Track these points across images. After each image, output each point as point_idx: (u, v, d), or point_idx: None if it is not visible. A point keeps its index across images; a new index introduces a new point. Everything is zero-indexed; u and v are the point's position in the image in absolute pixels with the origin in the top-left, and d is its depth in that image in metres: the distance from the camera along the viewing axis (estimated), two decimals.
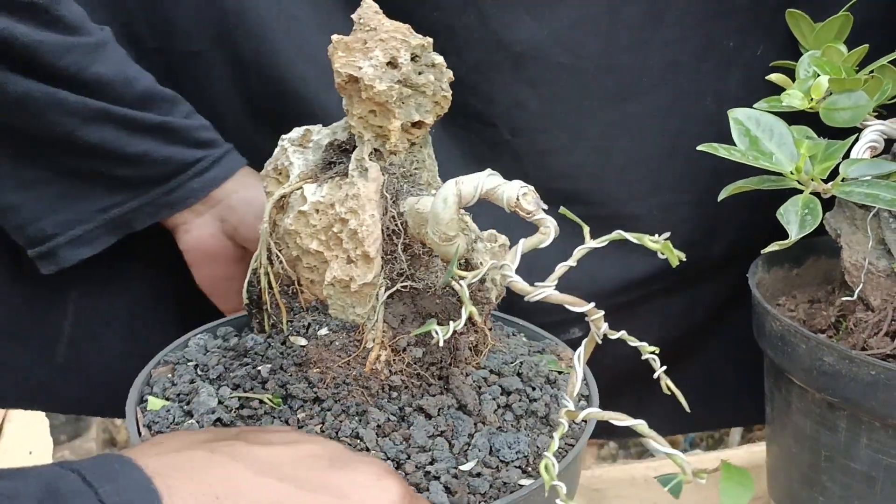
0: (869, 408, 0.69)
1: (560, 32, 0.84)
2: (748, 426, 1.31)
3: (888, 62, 0.70)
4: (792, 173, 0.61)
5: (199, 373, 0.64)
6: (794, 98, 0.66)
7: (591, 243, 0.48)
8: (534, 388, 0.62)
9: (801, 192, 0.61)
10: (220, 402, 0.59)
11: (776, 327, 0.76)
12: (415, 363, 0.60)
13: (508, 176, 0.89)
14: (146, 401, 0.60)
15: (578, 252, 0.48)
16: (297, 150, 0.64)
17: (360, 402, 0.57)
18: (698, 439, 1.85)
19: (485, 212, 0.60)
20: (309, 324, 0.63)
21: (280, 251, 0.64)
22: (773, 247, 0.59)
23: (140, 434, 0.56)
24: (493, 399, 0.60)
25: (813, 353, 0.71)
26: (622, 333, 0.49)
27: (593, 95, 0.87)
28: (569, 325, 0.93)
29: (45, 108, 0.71)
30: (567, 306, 0.49)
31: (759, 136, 0.62)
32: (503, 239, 0.66)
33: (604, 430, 1.04)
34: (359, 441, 0.54)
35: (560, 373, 0.65)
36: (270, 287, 0.65)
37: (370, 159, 0.60)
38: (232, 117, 0.85)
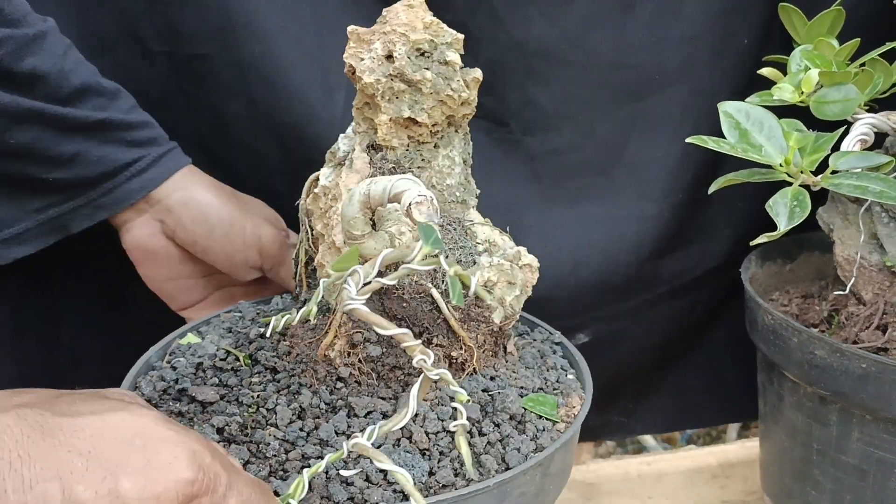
0: (860, 401, 0.69)
1: (572, 31, 0.84)
2: (745, 422, 1.32)
3: (879, 55, 0.70)
4: (781, 165, 0.61)
5: (231, 326, 0.70)
6: (784, 91, 0.66)
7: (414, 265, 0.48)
8: (490, 424, 0.57)
9: (790, 184, 0.61)
10: (216, 352, 0.63)
11: (768, 321, 0.76)
12: (372, 361, 0.59)
13: (519, 175, 0.90)
14: (185, 336, 0.68)
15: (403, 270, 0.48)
16: (345, 134, 0.65)
17: (307, 382, 0.58)
18: (695, 436, 1.85)
19: None
20: (306, 300, 0.65)
21: (310, 229, 0.66)
22: (762, 238, 0.59)
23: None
24: (440, 420, 0.56)
25: (805, 346, 0.72)
26: (442, 372, 0.48)
27: (606, 94, 0.87)
28: (574, 331, 0.93)
29: None
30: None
31: (748, 128, 0.62)
32: (530, 259, 0.62)
33: (599, 432, 1.06)
34: (273, 416, 0.56)
35: (550, 420, 0.59)
36: (297, 263, 0.68)
37: (365, 152, 0.60)
38: (235, 120, 0.85)
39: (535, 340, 0.70)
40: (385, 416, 0.56)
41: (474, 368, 0.61)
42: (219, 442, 0.54)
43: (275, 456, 0.52)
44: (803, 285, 0.89)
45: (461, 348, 0.60)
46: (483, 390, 0.60)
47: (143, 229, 0.78)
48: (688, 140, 0.62)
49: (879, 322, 0.74)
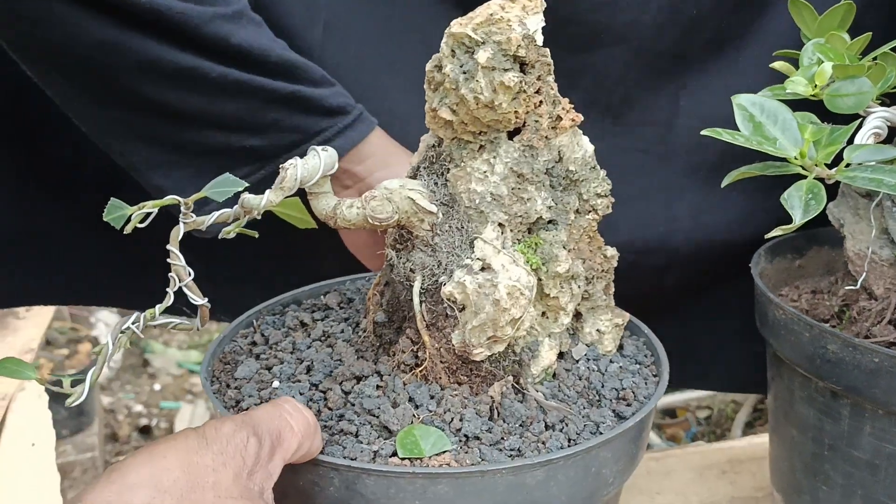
0: (872, 396, 0.68)
1: None
2: (745, 392, 1.33)
3: (891, 49, 0.70)
4: (796, 158, 0.60)
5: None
6: (798, 85, 0.66)
7: None
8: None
9: (804, 177, 0.61)
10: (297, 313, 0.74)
11: (779, 316, 0.76)
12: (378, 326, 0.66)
13: None
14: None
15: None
16: None
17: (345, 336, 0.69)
18: (700, 434, 1.85)
19: None
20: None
21: None
22: (777, 231, 0.59)
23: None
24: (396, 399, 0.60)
25: (816, 341, 0.71)
26: None
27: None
28: None
29: (191, 80, 0.73)
30: None
31: (763, 121, 0.61)
32: (504, 299, 0.57)
33: None
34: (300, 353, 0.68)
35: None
36: None
37: (433, 137, 0.62)
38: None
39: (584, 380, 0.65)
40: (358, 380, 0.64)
41: (425, 376, 0.61)
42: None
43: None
44: (812, 281, 0.88)
45: (424, 349, 0.60)
46: (410, 399, 0.60)
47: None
48: (703, 132, 0.62)
49: (891, 316, 0.73)
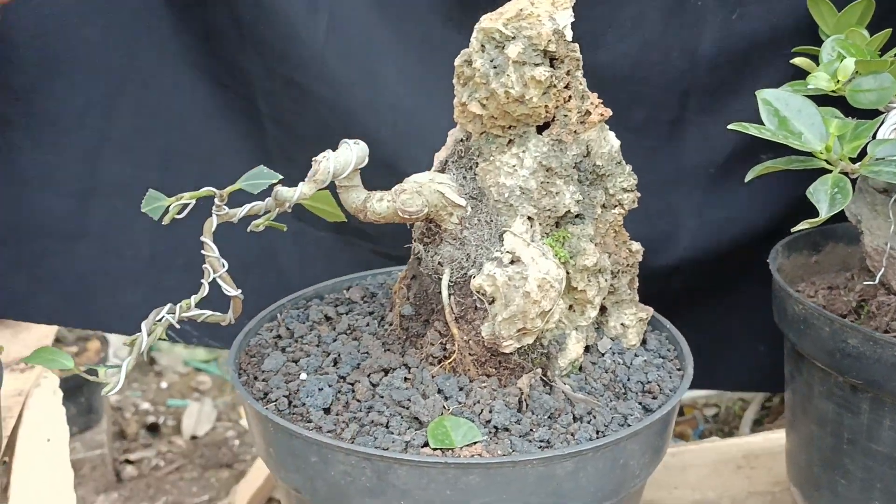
0: (892, 389, 0.69)
1: None
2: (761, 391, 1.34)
3: None
4: (821, 153, 0.61)
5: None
6: (820, 80, 0.67)
7: None
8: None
9: (828, 171, 0.61)
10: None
11: (799, 311, 0.76)
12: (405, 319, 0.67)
13: None
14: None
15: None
16: None
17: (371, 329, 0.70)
18: (707, 432, 1.85)
19: None
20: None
21: None
22: (804, 225, 0.60)
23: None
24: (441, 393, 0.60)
25: (837, 335, 0.72)
26: None
27: None
28: None
29: None
30: None
31: (788, 116, 0.62)
32: (534, 291, 0.57)
33: None
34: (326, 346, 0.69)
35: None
36: None
37: (461, 131, 0.63)
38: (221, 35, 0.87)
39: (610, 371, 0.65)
40: (390, 371, 0.64)
41: (453, 368, 0.61)
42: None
43: None
44: (829, 276, 0.89)
45: (452, 342, 0.61)
46: (439, 391, 0.60)
47: None
48: (729, 127, 0.62)
49: None
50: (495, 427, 0.56)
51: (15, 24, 0.82)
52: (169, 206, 0.51)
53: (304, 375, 0.64)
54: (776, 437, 0.97)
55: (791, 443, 0.87)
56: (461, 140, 0.62)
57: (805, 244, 0.91)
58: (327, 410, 0.60)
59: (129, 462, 1.98)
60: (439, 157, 0.64)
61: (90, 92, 0.87)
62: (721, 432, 1.85)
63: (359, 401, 0.60)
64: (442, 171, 0.63)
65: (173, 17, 0.86)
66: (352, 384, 0.62)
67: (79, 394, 1.62)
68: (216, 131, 0.91)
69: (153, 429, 2.28)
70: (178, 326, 0.54)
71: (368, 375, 0.62)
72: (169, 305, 0.54)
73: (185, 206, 0.51)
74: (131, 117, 0.89)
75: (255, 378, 0.65)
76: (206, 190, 0.52)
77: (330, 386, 0.61)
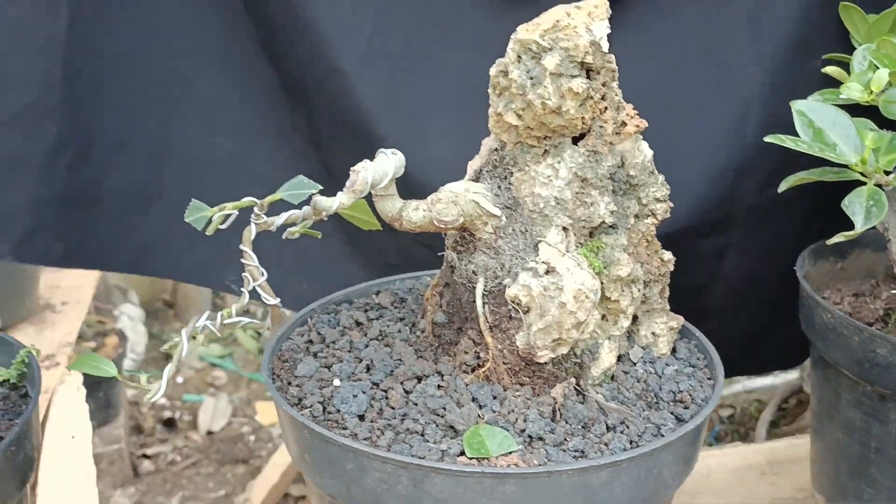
0: None
1: None
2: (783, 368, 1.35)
3: None
4: (856, 165, 0.61)
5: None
6: (853, 91, 0.67)
7: None
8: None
9: (862, 183, 0.61)
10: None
11: (827, 319, 0.76)
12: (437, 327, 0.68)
13: None
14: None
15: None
16: None
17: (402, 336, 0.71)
18: (723, 433, 1.85)
19: None
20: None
21: None
22: (839, 237, 0.60)
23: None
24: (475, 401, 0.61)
25: (866, 344, 0.72)
26: None
27: None
28: None
29: None
30: None
31: (822, 127, 0.62)
32: (570, 302, 0.57)
33: None
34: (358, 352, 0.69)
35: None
36: None
37: (494, 140, 0.63)
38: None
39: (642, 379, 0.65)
40: (422, 379, 0.65)
41: (487, 376, 0.62)
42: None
43: None
44: (854, 284, 0.89)
45: (486, 350, 0.61)
46: (473, 399, 0.61)
47: None
48: (766, 139, 0.62)
49: None
50: (530, 436, 0.57)
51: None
52: (212, 217, 0.51)
53: (337, 381, 0.64)
54: (800, 444, 0.97)
55: (816, 450, 0.87)
56: (495, 149, 0.63)
57: (831, 251, 0.90)
58: (362, 417, 0.60)
59: (145, 457, 1.99)
60: (473, 165, 0.64)
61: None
62: (737, 433, 1.85)
63: (393, 408, 0.61)
64: (476, 180, 0.63)
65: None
66: (385, 391, 0.63)
67: (97, 389, 1.63)
68: (281, 108, 0.95)
69: (169, 424, 2.29)
70: (219, 335, 0.55)
71: (402, 382, 0.63)
72: (208, 312, 0.55)
73: (228, 216, 0.52)
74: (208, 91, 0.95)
75: (289, 383, 0.65)
76: (247, 200, 0.53)
77: (364, 392, 0.62)
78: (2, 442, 0.60)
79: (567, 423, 0.58)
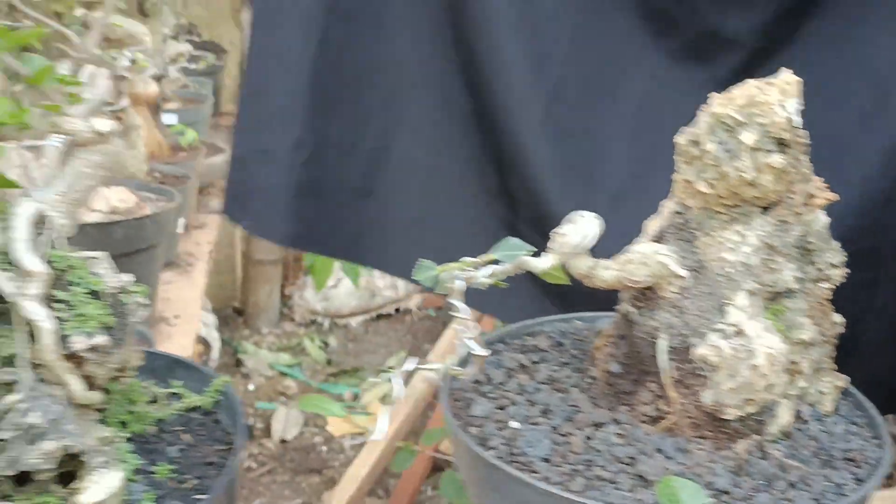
0: None
1: None
2: None
3: None
4: None
5: None
6: None
7: None
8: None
9: None
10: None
11: None
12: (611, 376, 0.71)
13: None
14: None
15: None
16: None
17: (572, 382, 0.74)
18: None
19: None
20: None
21: None
22: None
23: None
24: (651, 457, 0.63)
25: None
26: None
27: None
28: None
29: None
30: None
31: None
32: (764, 366, 0.61)
33: None
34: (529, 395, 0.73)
35: None
36: None
37: (676, 202, 0.68)
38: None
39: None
40: (598, 426, 0.68)
41: (669, 428, 0.65)
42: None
43: None
44: None
45: (668, 404, 0.64)
46: (659, 450, 0.64)
47: None
48: None
49: None
50: (717, 490, 0.60)
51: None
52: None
53: (515, 424, 0.68)
54: None
55: None
56: (677, 212, 0.66)
57: None
58: (546, 461, 0.64)
59: None
60: (652, 226, 0.68)
61: None
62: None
63: (576, 453, 0.64)
64: (658, 240, 0.67)
65: None
66: (564, 435, 0.66)
67: None
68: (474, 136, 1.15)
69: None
70: (440, 384, 0.59)
71: (581, 429, 0.66)
72: (418, 359, 0.59)
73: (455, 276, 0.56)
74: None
75: (468, 424, 0.69)
76: (468, 260, 0.57)
77: (546, 438, 0.66)
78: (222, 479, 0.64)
79: (751, 478, 0.61)
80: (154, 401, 0.74)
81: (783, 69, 0.62)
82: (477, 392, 0.74)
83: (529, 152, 1.04)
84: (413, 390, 2.46)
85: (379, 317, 3.06)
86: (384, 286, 3.04)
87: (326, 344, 2.93)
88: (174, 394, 0.77)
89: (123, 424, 0.69)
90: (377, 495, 2.19)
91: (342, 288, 2.96)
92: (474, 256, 0.86)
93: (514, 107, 1.04)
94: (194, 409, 0.76)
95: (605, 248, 0.67)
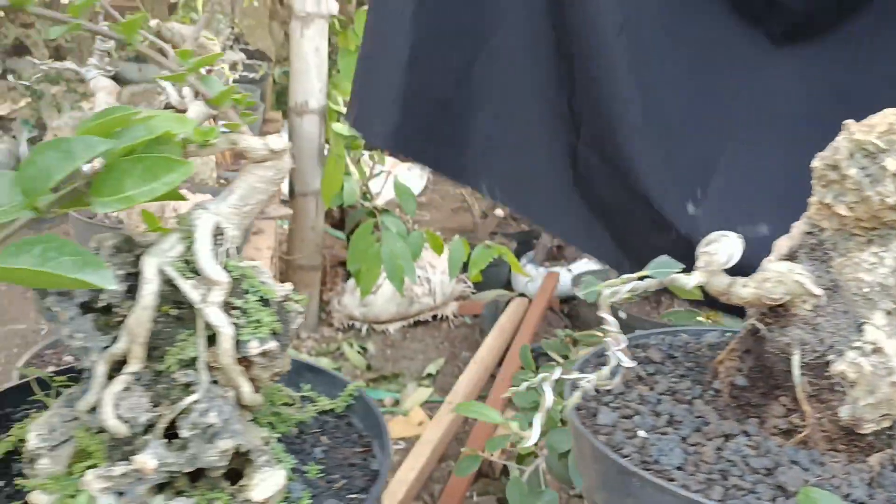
0: None
1: None
2: None
3: None
4: None
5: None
6: None
7: None
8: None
9: None
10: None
11: None
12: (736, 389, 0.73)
13: None
14: None
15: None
16: None
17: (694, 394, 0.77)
18: None
19: None
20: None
21: None
22: None
23: None
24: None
25: None
26: None
27: None
28: None
29: None
30: None
31: None
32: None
33: None
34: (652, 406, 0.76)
35: None
36: None
37: (808, 224, 0.71)
38: None
39: None
40: (728, 437, 0.70)
41: (804, 441, 0.67)
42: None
43: None
44: None
45: (801, 418, 0.67)
46: (794, 462, 0.66)
47: None
48: None
49: None
50: (854, 501, 0.63)
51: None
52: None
53: (642, 433, 0.71)
54: None
55: None
56: (809, 233, 0.69)
57: None
58: (680, 469, 0.67)
59: None
60: (783, 245, 0.71)
61: None
62: None
63: (708, 463, 0.67)
64: (791, 259, 0.69)
65: None
66: (694, 445, 0.69)
67: None
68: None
69: None
70: (593, 394, 0.62)
71: (710, 439, 0.69)
72: (577, 374, 0.62)
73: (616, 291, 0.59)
74: None
75: (596, 432, 0.72)
76: (625, 277, 0.60)
77: (677, 446, 0.68)
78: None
79: (885, 490, 0.64)
80: (291, 403, 0.78)
81: None
82: (599, 402, 0.77)
83: (600, 82, 1.20)
84: (455, 396, 2.48)
85: (416, 323, 3.09)
86: (422, 293, 3.07)
87: (364, 349, 2.96)
88: (305, 397, 0.80)
89: (272, 426, 0.72)
90: (423, 500, 2.21)
91: (381, 294, 2.99)
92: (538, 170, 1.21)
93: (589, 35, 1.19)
94: (327, 412, 0.79)
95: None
